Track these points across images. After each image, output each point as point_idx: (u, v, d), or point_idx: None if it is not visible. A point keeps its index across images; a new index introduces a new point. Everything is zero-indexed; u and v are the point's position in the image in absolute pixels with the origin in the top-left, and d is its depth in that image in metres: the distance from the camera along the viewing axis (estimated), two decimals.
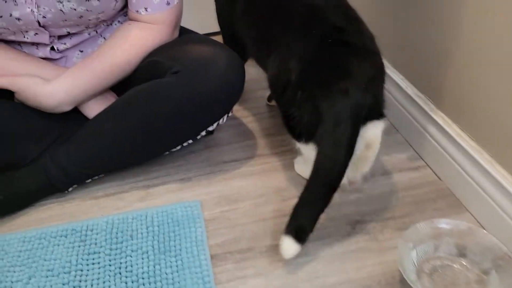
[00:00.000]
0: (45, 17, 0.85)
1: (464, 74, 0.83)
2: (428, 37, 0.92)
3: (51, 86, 0.85)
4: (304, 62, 0.79)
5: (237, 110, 1.25)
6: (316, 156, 0.75)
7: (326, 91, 0.75)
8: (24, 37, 0.89)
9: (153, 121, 0.88)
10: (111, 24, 0.99)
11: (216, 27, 1.55)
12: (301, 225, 0.75)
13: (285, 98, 0.83)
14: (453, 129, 0.89)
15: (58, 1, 0.83)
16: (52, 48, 0.93)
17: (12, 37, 0.89)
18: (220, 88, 0.88)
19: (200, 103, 0.88)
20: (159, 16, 0.92)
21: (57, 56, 0.95)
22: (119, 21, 1.00)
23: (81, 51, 0.97)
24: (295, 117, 0.80)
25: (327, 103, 0.75)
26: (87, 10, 0.86)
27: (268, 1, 0.92)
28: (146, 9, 0.90)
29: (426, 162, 0.99)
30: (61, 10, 0.84)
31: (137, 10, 0.91)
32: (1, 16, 0.82)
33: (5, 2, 0.81)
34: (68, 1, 0.83)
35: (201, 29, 1.59)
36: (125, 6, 0.94)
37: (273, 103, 1.26)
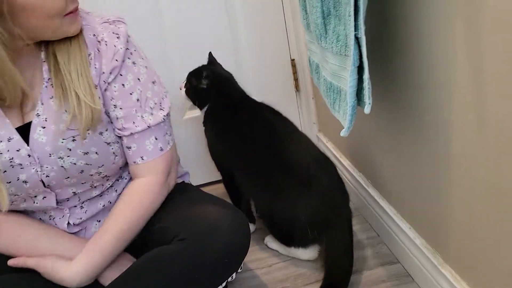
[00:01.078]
0: (48, 176, 0.89)
1: (472, 227, 0.83)
2: (434, 189, 0.93)
3: (71, 270, 0.89)
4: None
5: (251, 262, 1.25)
6: None
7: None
8: (34, 202, 0.93)
9: (162, 287, 0.90)
10: (124, 186, 1.04)
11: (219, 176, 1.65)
12: None
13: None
14: (462, 286, 0.86)
15: (59, 158, 0.88)
16: (69, 223, 1.00)
17: (23, 205, 0.93)
18: (225, 252, 0.90)
19: (206, 268, 0.89)
20: (153, 163, 0.98)
21: (76, 229, 1.00)
22: (125, 179, 1.05)
23: (99, 221, 1.03)
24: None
25: None
26: (86, 164, 0.91)
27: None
28: (142, 157, 0.97)
29: None
30: (62, 167, 0.89)
31: (134, 161, 0.98)
32: (9, 182, 0.88)
33: (12, 167, 0.87)
34: (68, 156, 0.88)
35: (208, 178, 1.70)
36: (126, 164, 1.01)
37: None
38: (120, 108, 0.94)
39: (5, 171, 0.86)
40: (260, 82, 1.62)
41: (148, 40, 1.42)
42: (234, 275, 0.97)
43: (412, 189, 1.01)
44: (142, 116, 0.96)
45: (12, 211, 0.96)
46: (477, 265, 0.82)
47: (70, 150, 0.89)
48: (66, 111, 0.87)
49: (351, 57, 0.80)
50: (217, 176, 1.67)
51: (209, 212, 0.94)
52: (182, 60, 1.51)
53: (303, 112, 1.70)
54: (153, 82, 0.99)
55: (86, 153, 0.90)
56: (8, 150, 0.86)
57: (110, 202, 1.03)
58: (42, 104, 0.88)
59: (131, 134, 0.95)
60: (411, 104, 0.90)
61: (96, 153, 0.92)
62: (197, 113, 1.59)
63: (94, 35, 0.91)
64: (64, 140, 0.88)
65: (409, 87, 0.89)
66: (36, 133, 0.87)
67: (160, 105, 0.99)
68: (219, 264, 0.90)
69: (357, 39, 0.78)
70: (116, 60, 0.92)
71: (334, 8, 0.85)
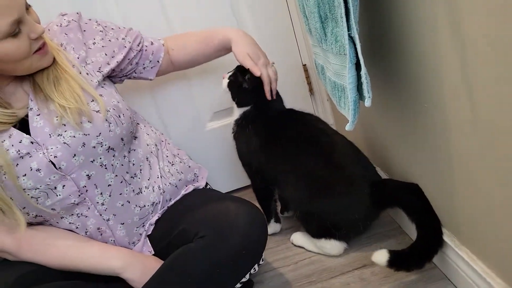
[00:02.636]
0: (56, 156, 0.95)
1: (487, 207, 0.85)
2: (447, 173, 0.95)
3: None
4: None
5: (277, 260, 1.30)
6: None
7: None
8: (57, 195, 0.97)
9: (187, 284, 0.96)
10: (140, 187, 1.09)
11: (243, 183, 1.70)
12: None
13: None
14: (479, 266, 0.88)
15: (58, 135, 0.95)
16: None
17: (48, 202, 0.97)
18: (242, 245, 0.96)
19: (226, 261, 0.96)
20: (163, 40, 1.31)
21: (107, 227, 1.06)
22: (146, 186, 1.11)
23: (122, 224, 1.07)
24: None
25: None
26: (84, 135, 0.97)
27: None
28: (160, 52, 1.30)
29: None
30: (65, 143, 0.95)
31: (161, 56, 1.28)
32: (25, 175, 0.93)
33: (22, 158, 0.93)
34: (65, 131, 0.96)
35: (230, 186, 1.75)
36: (131, 139, 1.09)
37: (286, 214, 1.49)
38: (116, 62, 1.15)
39: (17, 164, 0.94)
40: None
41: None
42: (256, 267, 1.03)
43: (425, 174, 1.04)
44: (123, 38, 1.19)
45: (48, 226, 1.04)
46: (493, 245, 0.84)
47: (64, 125, 0.96)
48: (54, 108, 0.98)
49: (348, 56, 0.85)
50: (238, 184, 1.75)
51: (225, 208, 1.00)
52: (192, 70, 1.57)
53: (320, 114, 1.75)
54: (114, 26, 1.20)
55: (79, 123, 0.97)
56: (12, 145, 0.94)
57: (129, 202, 1.07)
58: (31, 100, 0.98)
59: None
60: (410, 94, 0.94)
61: (89, 121, 0.98)
62: (219, 124, 1.66)
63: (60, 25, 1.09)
64: (57, 117, 0.96)
65: (409, 79, 0.93)
66: (34, 122, 0.96)
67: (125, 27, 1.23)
68: (238, 257, 0.96)
69: (351, 38, 0.83)
70: (65, 34, 1.08)
71: (330, 12, 0.90)
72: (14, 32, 0.86)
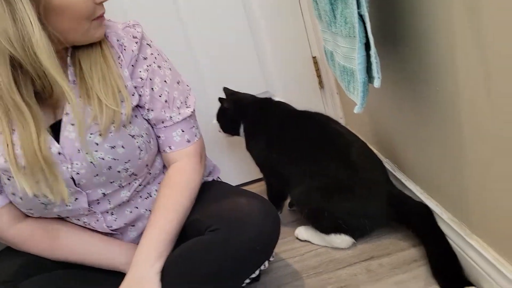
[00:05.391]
0: (78, 173, 0.91)
1: (496, 194, 0.83)
2: (454, 163, 0.93)
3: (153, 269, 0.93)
4: None
5: (284, 251, 1.28)
6: None
7: None
8: (66, 205, 0.94)
9: (198, 277, 0.92)
10: (148, 192, 1.05)
11: (253, 176, 1.71)
12: None
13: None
14: (490, 253, 0.86)
15: (86, 153, 0.90)
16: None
17: (56, 210, 0.94)
18: (255, 240, 0.92)
19: (238, 256, 0.92)
20: (183, 152, 1.04)
21: (113, 233, 1.04)
22: (155, 189, 1.06)
23: (133, 226, 1.06)
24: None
25: None
26: (114, 159, 0.93)
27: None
28: (170, 147, 1.04)
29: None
30: (91, 163, 0.91)
31: (164, 149, 1.05)
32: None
33: None
34: (96, 151, 0.91)
35: (241, 179, 1.75)
36: (153, 162, 1.04)
37: (294, 208, 1.47)
38: (152, 110, 1.01)
39: None
40: (284, 81, 1.66)
41: (174, 48, 1.48)
42: (266, 263, 1.01)
43: (435, 166, 1.02)
44: (170, 117, 1.02)
45: (53, 219, 1.00)
46: (506, 232, 0.82)
47: (97, 144, 0.91)
48: (90, 109, 0.92)
49: (357, 36, 0.83)
50: (246, 178, 1.74)
51: (239, 203, 0.97)
52: (210, 64, 1.59)
53: (329, 107, 1.73)
54: (178, 82, 1.05)
55: (113, 147, 0.93)
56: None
57: (137, 208, 1.04)
58: (69, 103, 0.90)
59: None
60: (420, 80, 0.92)
61: (123, 147, 0.94)
62: None
63: (117, 40, 0.98)
64: (91, 135, 0.91)
65: (423, 65, 0.91)
66: (66, 131, 0.91)
67: (186, 103, 1.06)
68: (251, 252, 0.93)
69: (361, 16, 0.82)
70: (132, 65, 0.98)
71: None
72: None
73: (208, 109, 1.55)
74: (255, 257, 0.96)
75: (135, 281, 0.92)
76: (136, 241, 1.04)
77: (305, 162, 1.23)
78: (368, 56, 0.85)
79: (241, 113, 1.42)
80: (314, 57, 1.66)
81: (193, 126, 1.07)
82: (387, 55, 1.02)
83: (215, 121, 1.49)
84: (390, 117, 1.22)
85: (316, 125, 1.29)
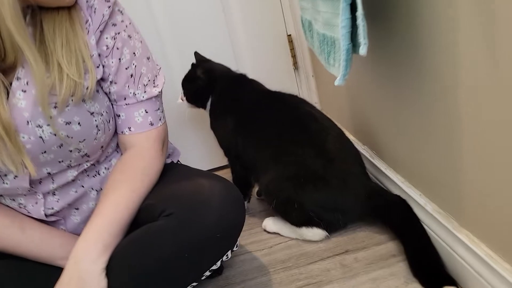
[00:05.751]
0: (24, 147, 0.80)
1: (488, 185, 0.74)
2: (442, 150, 0.84)
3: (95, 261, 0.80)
4: None
5: (251, 243, 1.17)
6: None
7: None
8: (3, 182, 0.83)
9: (149, 268, 0.81)
10: (97, 170, 0.95)
11: (218, 163, 1.61)
12: None
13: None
14: (482, 249, 0.76)
15: (37, 126, 0.80)
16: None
17: None
18: (215, 226, 0.81)
19: (195, 244, 0.81)
20: (144, 135, 0.92)
21: (52, 219, 0.92)
22: (105, 167, 0.97)
23: (77, 209, 0.95)
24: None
25: None
26: (67, 136, 0.83)
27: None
28: (129, 128, 0.91)
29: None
30: (40, 137, 0.81)
31: (122, 131, 0.92)
32: None
33: None
34: (48, 125, 0.81)
35: (205, 165, 1.63)
36: (108, 145, 0.94)
37: (263, 197, 1.34)
38: (115, 83, 0.89)
39: None
40: (256, 59, 1.54)
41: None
42: (229, 253, 0.89)
43: (418, 153, 0.92)
44: (134, 94, 0.91)
45: None
46: (499, 226, 0.72)
47: (50, 118, 0.80)
48: (47, 77, 0.79)
49: None
50: (212, 164, 1.62)
51: (199, 185, 0.86)
52: (172, 32, 1.46)
53: (303, 91, 1.62)
54: (148, 58, 0.95)
55: (68, 123, 0.82)
56: None
57: (83, 186, 0.93)
58: (23, 67, 0.79)
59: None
60: (411, 62, 0.81)
61: (79, 124, 0.84)
62: None
63: (87, 1, 0.84)
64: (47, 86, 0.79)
65: (408, 42, 0.81)
66: (15, 98, 0.79)
67: (154, 82, 0.95)
68: (211, 240, 0.82)
69: None
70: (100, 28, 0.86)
71: None
72: None
73: (173, 87, 1.41)
74: (215, 246, 0.84)
75: (76, 276, 0.78)
76: (79, 229, 0.91)
77: (276, 147, 1.12)
78: (353, 19, 0.73)
79: (212, 85, 1.28)
80: (289, 35, 1.55)
81: (158, 109, 0.95)
82: (370, 30, 0.91)
83: (179, 100, 1.35)
84: (369, 101, 1.11)
85: (289, 107, 1.17)
